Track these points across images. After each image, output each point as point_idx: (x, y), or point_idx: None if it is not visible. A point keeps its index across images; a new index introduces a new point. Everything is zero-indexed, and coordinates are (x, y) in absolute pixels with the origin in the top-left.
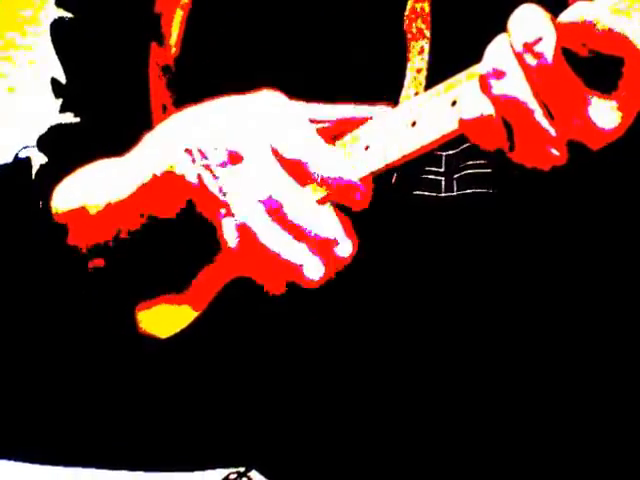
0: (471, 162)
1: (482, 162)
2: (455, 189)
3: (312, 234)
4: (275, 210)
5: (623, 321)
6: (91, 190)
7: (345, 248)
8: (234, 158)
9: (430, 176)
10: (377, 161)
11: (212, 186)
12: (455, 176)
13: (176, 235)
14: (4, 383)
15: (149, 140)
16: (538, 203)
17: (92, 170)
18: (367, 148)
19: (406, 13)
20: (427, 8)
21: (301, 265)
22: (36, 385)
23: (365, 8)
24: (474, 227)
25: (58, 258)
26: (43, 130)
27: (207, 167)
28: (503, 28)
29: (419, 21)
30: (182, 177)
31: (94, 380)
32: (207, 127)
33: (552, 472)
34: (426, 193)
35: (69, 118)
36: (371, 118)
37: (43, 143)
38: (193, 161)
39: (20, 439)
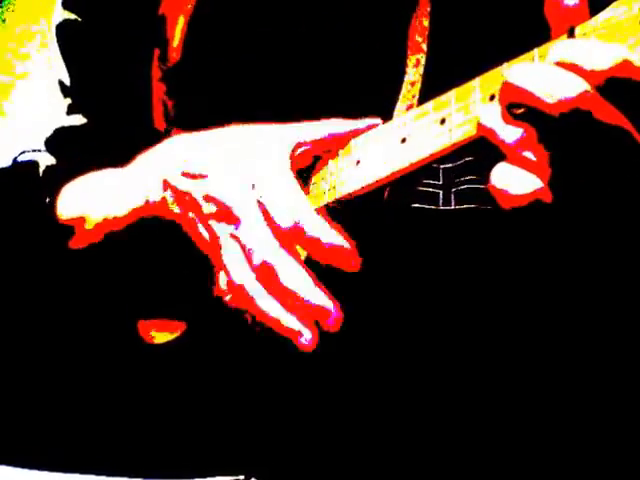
0: (469, 177)
1: (480, 177)
2: (453, 203)
3: (305, 300)
4: (268, 276)
5: (616, 341)
6: (90, 202)
7: (333, 318)
8: (226, 214)
9: (428, 189)
10: (368, 177)
11: (205, 234)
12: (453, 190)
13: (172, 249)
14: (3, 387)
15: (143, 165)
16: (535, 221)
17: (93, 180)
18: (358, 162)
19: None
20: (425, 22)
21: (296, 332)
22: (36, 390)
23: (364, 22)
24: (471, 241)
25: (61, 255)
26: (49, 132)
27: (199, 215)
28: (499, 44)
29: (417, 35)
30: (174, 213)
31: (94, 387)
32: (195, 168)
33: (552, 472)
34: (423, 206)
35: (75, 120)
36: (358, 132)
37: (50, 144)
38: (181, 204)
39: (20, 446)
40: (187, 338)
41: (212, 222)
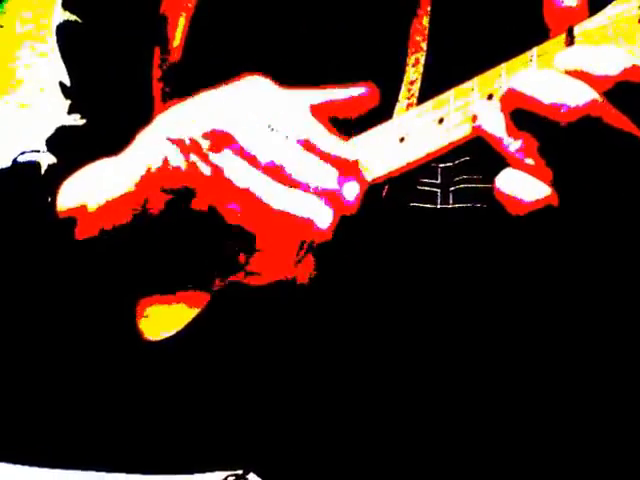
0: (467, 176)
1: (478, 177)
2: (451, 201)
3: (316, 187)
4: (276, 171)
5: (617, 343)
6: (91, 188)
7: (350, 191)
8: (226, 139)
9: (426, 187)
10: (366, 175)
11: (208, 171)
12: (451, 189)
13: (175, 231)
14: (2, 382)
15: (142, 137)
16: (534, 220)
17: (92, 169)
18: None
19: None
20: (425, 22)
21: (310, 217)
22: (35, 385)
23: (365, 18)
24: (469, 240)
25: (64, 254)
26: (50, 131)
27: (200, 154)
28: (498, 44)
29: (417, 34)
30: (177, 169)
31: (92, 382)
32: (195, 117)
33: (552, 472)
34: (422, 205)
35: (76, 120)
36: (356, 98)
37: (51, 143)
38: (184, 151)
39: (18, 442)
40: (184, 333)
41: (212, 155)
